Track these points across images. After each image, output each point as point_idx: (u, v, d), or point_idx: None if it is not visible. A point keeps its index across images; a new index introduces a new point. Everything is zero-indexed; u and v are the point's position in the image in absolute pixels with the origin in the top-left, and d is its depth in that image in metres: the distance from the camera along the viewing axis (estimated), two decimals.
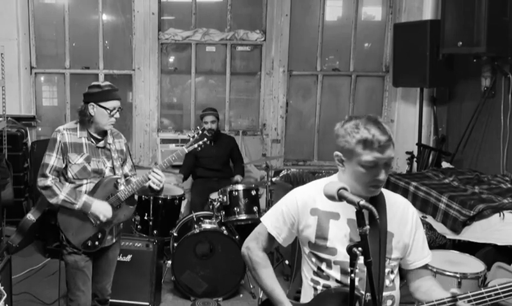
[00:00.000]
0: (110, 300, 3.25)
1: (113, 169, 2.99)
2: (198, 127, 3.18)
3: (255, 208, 4.36)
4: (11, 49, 5.50)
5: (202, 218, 4.34)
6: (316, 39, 6.05)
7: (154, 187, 2.92)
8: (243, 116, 6.24)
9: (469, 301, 1.80)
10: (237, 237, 4.20)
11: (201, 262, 4.05)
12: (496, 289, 1.81)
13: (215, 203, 4.36)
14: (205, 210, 4.74)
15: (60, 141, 2.87)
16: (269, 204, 4.70)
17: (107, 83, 2.97)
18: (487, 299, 1.81)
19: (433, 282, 2.01)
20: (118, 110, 2.92)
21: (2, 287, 2.74)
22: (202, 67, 6.11)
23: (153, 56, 5.87)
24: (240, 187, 4.41)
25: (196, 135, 3.11)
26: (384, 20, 6.12)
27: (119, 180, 2.99)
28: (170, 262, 4.21)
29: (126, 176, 3.10)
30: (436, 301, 1.85)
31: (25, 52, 5.71)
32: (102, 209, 2.89)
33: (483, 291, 1.81)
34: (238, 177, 5.20)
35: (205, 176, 5.25)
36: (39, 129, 5.96)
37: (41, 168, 2.88)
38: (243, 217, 4.31)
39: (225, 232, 4.11)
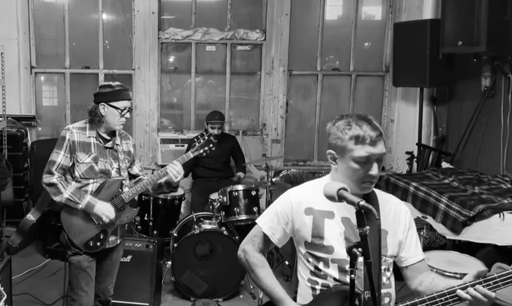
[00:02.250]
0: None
1: (119, 170, 3.00)
2: (205, 133, 3.22)
3: (255, 209, 4.37)
4: (11, 49, 5.50)
5: (202, 219, 4.34)
6: (316, 39, 6.04)
7: (173, 178, 2.93)
8: (243, 116, 6.24)
9: (495, 283, 1.81)
10: (237, 237, 4.20)
11: (201, 263, 4.05)
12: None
13: (215, 203, 4.36)
14: (205, 210, 4.74)
15: (69, 140, 2.88)
16: (269, 204, 4.68)
17: (118, 83, 2.98)
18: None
19: (434, 275, 2.03)
20: (128, 110, 2.93)
21: (2, 288, 2.74)
22: (202, 67, 6.11)
23: (153, 55, 5.87)
24: (240, 187, 4.42)
25: (202, 140, 3.15)
26: (384, 20, 6.11)
27: (123, 182, 3.00)
28: (170, 262, 4.21)
29: (136, 176, 3.13)
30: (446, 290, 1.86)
31: (25, 52, 5.71)
32: (105, 210, 2.89)
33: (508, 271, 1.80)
34: (240, 173, 5.23)
35: (205, 176, 5.25)
36: (39, 129, 5.96)
37: (48, 165, 2.88)
38: (243, 217, 4.31)
39: (225, 232, 4.11)
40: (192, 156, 3.11)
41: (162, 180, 3.00)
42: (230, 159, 5.47)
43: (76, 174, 2.89)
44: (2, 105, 5.18)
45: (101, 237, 2.95)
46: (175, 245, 4.19)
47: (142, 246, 3.89)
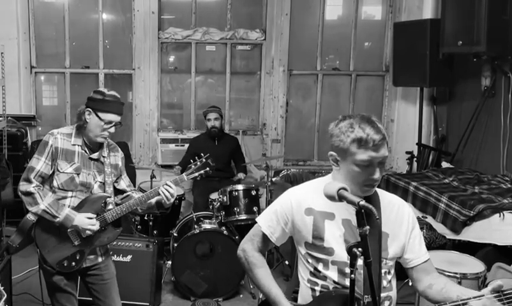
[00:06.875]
0: None
1: (103, 185, 2.77)
2: (203, 155, 2.94)
3: (255, 208, 4.36)
4: (11, 48, 5.50)
5: (202, 219, 4.33)
6: (316, 39, 6.04)
7: (166, 200, 2.68)
8: (243, 116, 6.24)
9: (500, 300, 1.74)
10: (237, 237, 4.20)
11: (201, 263, 4.05)
12: None
13: (215, 203, 4.36)
14: (207, 210, 4.73)
15: (51, 145, 2.66)
16: (269, 204, 4.68)
17: (112, 93, 2.73)
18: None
19: (446, 279, 1.98)
20: (115, 125, 2.69)
21: (2, 288, 2.74)
22: (202, 67, 6.11)
23: (153, 55, 5.87)
24: (240, 187, 4.42)
25: (199, 163, 2.89)
26: (384, 19, 6.11)
27: (108, 200, 2.75)
28: (170, 262, 4.21)
29: (124, 191, 2.90)
30: (461, 301, 1.79)
31: (25, 51, 5.71)
32: (86, 223, 2.65)
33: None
34: (241, 174, 5.21)
35: (206, 176, 5.23)
36: (39, 128, 5.96)
37: (26, 171, 2.64)
38: (243, 217, 4.31)
39: (225, 232, 4.11)
40: (186, 179, 2.85)
41: (153, 201, 2.75)
42: (231, 159, 5.46)
43: (55, 184, 2.67)
44: (2, 105, 5.18)
45: (77, 257, 2.71)
46: (175, 244, 4.19)
47: (141, 246, 3.88)
